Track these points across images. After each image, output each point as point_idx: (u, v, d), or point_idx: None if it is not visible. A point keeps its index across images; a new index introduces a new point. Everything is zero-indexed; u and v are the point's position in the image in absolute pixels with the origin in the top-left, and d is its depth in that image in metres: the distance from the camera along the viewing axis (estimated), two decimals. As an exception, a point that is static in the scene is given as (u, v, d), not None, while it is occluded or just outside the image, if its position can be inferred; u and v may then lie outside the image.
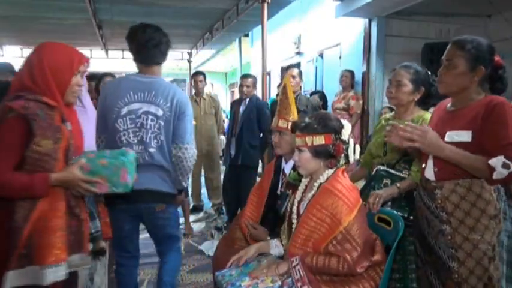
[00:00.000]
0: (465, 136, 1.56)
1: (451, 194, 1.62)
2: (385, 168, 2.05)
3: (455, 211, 1.61)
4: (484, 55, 1.59)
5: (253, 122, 3.87)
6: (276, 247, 1.83)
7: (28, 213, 1.47)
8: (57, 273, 1.48)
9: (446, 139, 1.58)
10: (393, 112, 2.24)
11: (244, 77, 4.01)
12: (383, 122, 2.23)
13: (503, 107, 1.52)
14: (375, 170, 2.08)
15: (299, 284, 1.55)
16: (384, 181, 2.01)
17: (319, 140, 1.66)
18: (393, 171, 2.03)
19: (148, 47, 2.03)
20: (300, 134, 1.69)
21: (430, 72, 2.09)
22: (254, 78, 4.04)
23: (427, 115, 2.02)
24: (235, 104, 4.15)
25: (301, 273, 1.56)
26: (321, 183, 1.68)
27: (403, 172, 2.01)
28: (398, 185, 1.94)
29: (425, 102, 2.09)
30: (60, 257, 1.49)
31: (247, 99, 3.95)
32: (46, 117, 1.50)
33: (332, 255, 1.55)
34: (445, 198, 1.63)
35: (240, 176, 3.92)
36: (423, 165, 1.72)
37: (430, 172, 1.68)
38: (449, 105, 1.73)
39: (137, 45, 2.05)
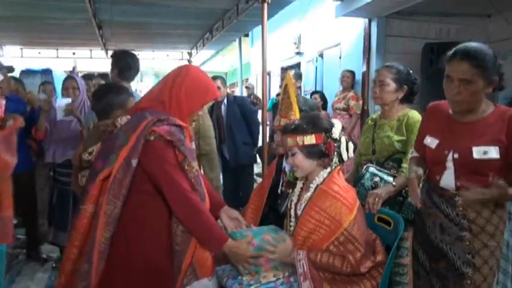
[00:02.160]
0: (494, 153, 1.52)
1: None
2: (374, 166, 2.09)
3: (477, 218, 1.58)
4: (497, 65, 1.54)
5: (239, 120, 3.87)
6: None
7: (188, 237, 1.54)
8: (215, 281, 1.62)
9: (475, 156, 1.54)
10: (379, 112, 2.28)
11: (212, 79, 3.98)
12: (369, 122, 2.29)
13: None
14: (364, 167, 2.11)
15: (302, 278, 1.54)
16: (374, 179, 2.03)
17: (310, 139, 1.66)
18: (382, 170, 2.07)
19: (136, 68, 2.80)
20: (291, 135, 1.70)
21: (411, 71, 2.17)
22: (221, 78, 4.04)
23: (411, 112, 2.09)
24: (214, 109, 4.10)
25: (305, 267, 1.55)
26: (317, 185, 1.68)
27: (391, 171, 2.06)
28: (394, 183, 1.96)
29: (409, 100, 2.16)
30: (213, 266, 1.62)
31: (225, 100, 3.95)
32: (185, 140, 1.55)
33: (336, 254, 1.55)
34: (467, 205, 1.58)
35: (239, 175, 3.91)
36: (437, 177, 1.66)
37: (448, 183, 1.62)
38: (457, 115, 1.64)
39: (126, 67, 2.73)
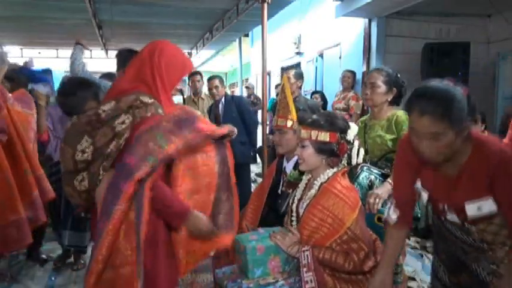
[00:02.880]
0: (488, 206, 1.35)
1: (488, 226, 1.43)
2: (368, 165, 2.14)
3: (496, 238, 1.45)
4: (467, 109, 1.25)
5: (237, 119, 3.87)
6: None
7: None
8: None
9: (469, 213, 1.37)
10: (368, 114, 2.34)
11: (210, 79, 4.00)
12: (360, 124, 2.35)
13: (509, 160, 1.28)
14: (359, 167, 2.15)
15: (305, 269, 1.55)
16: (370, 178, 2.08)
17: (324, 136, 1.67)
18: (376, 169, 2.11)
19: None
20: (306, 127, 1.70)
21: (399, 75, 2.23)
22: (219, 77, 4.06)
23: (399, 112, 2.14)
24: (213, 109, 4.11)
25: (309, 259, 1.56)
26: (321, 183, 1.69)
27: (385, 170, 2.11)
28: (390, 181, 1.97)
29: (396, 103, 2.23)
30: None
31: (222, 99, 3.97)
32: None
33: (339, 251, 1.56)
34: (483, 231, 1.45)
35: (235, 175, 3.91)
36: (442, 217, 1.53)
37: (455, 221, 1.49)
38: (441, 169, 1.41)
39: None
